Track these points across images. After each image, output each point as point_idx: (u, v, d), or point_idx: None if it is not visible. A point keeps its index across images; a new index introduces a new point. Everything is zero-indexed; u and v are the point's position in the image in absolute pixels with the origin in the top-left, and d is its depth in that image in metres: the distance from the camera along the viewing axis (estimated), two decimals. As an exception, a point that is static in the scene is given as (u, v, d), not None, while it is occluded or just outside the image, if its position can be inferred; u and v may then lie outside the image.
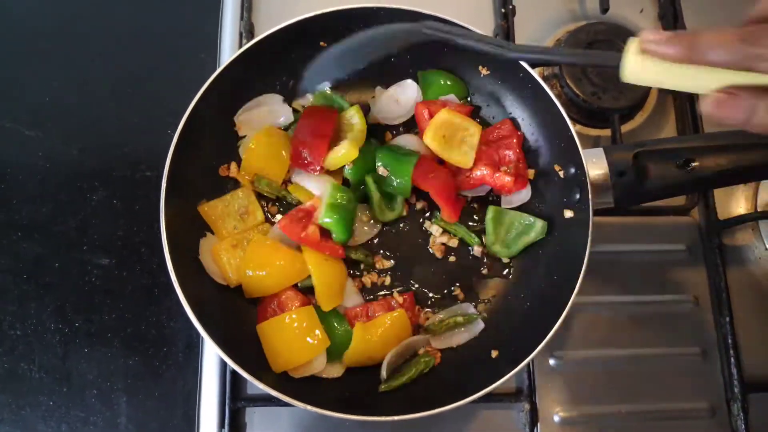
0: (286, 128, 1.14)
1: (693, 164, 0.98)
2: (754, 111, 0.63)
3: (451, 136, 1.08)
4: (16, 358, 1.08)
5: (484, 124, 1.18)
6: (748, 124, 0.64)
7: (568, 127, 1.02)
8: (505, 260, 1.11)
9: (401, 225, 1.14)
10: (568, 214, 1.05)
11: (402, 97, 1.17)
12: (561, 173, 1.08)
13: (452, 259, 1.12)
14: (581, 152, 1.00)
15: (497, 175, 1.08)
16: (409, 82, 1.18)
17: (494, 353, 1.03)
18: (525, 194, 1.11)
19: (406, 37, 0.97)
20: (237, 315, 1.03)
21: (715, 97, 0.64)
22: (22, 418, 1.05)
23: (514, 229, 1.10)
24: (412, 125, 1.17)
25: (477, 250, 1.11)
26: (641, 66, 0.69)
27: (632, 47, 0.69)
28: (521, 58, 0.99)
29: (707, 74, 0.65)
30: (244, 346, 0.98)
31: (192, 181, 1.04)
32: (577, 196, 1.02)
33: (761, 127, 0.63)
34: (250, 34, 1.27)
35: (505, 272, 1.12)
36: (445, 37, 0.97)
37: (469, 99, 1.19)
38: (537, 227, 1.07)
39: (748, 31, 0.60)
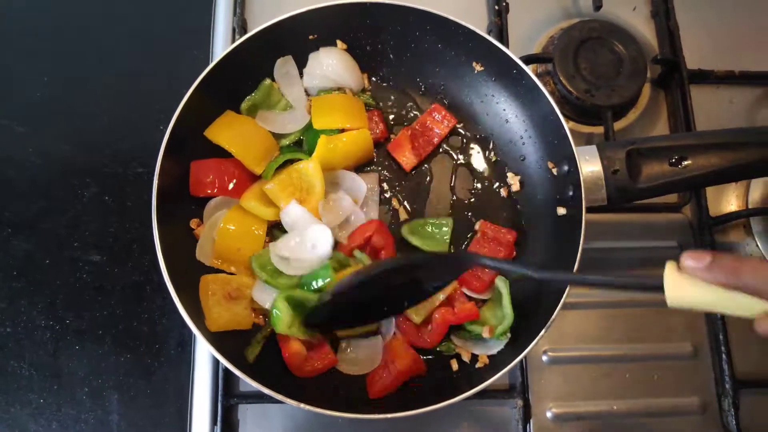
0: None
1: (686, 162, 0.99)
2: None
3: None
4: (6, 356, 1.07)
5: (477, 122, 1.19)
6: None
7: (562, 124, 1.02)
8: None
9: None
10: (561, 211, 1.06)
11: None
12: (554, 170, 1.08)
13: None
14: (575, 150, 1.01)
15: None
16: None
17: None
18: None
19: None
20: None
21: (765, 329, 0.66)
22: (12, 416, 1.05)
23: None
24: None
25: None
26: (682, 289, 0.69)
27: (670, 269, 0.70)
28: (563, 281, 0.96)
29: (749, 299, 0.66)
30: (237, 344, 0.98)
31: (184, 177, 1.03)
32: (571, 194, 1.03)
33: None
34: (243, 29, 1.27)
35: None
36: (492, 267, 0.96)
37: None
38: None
39: None
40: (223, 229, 1.02)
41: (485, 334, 1.01)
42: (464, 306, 1.03)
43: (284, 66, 1.14)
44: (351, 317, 0.98)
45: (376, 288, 0.92)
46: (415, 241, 1.10)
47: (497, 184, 1.17)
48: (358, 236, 1.06)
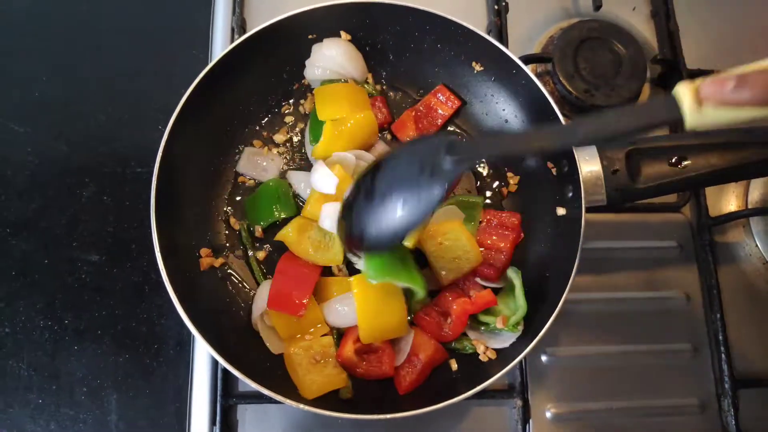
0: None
1: (685, 162, 0.99)
2: None
3: (448, 248, 1.04)
4: (4, 356, 1.07)
5: (477, 121, 1.19)
6: None
7: (562, 124, 1.02)
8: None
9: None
10: (561, 211, 1.06)
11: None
12: (554, 171, 1.08)
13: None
14: (574, 150, 1.01)
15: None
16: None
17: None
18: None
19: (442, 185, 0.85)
20: (229, 313, 1.03)
21: None
22: (11, 417, 1.04)
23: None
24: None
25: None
26: (703, 115, 0.67)
27: (687, 97, 0.67)
28: (580, 143, 0.92)
29: None
30: (235, 344, 0.98)
31: (183, 176, 1.03)
32: (570, 194, 1.03)
33: None
34: (242, 29, 1.26)
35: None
36: (471, 160, 0.89)
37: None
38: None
39: None
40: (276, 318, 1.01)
41: (498, 325, 1.00)
42: (481, 294, 1.03)
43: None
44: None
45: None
46: None
47: (497, 183, 1.17)
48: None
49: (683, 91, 0.67)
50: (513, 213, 1.10)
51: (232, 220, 1.11)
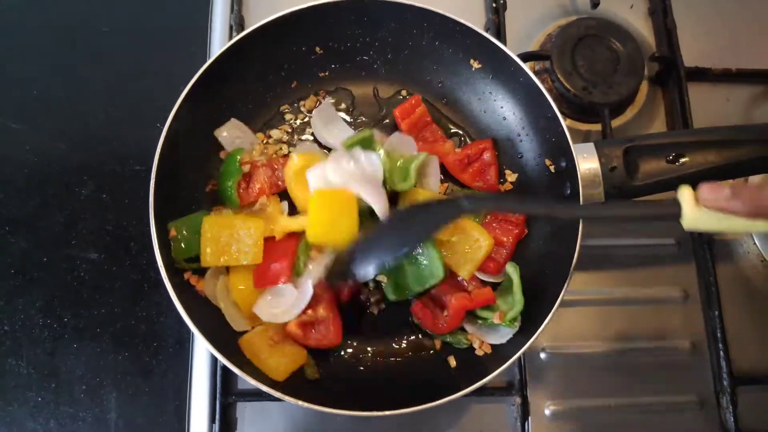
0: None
1: (683, 159, 0.99)
2: None
3: (458, 243, 1.05)
4: (4, 354, 1.07)
5: (475, 119, 1.19)
6: None
7: (559, 121, 1.03)
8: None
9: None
10: (559, 208, 1.06)
11: None
12: (552, 168, 1.08)
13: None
14: (572, 147, 1.01)
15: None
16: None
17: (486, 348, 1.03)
18: None
19: (446, 216, 0.92)
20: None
21: None
22: (10, 414, 1.04)
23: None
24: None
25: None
26: (699, 216, 0.73)
27: (687, 198, 0.74)
28: (582, 216, 0.97)
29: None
30: (234, 341, 0.98)
31: (181, 174, 1.03)
32: (568, 191, 1.03)
33: None
34: (241, 27, 1.26)
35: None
36: (491, 206, 0.98)
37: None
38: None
39: None
40: (238, 293, 1.01)
41: (495, 320, 1.00)
42: (480, 291, 1.03)
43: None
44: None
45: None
46: None
47: (495, 180, 1.17)
48: (473, 147, 1.14)
49: (685, 192, 0.74)
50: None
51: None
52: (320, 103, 1.18)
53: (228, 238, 0.99)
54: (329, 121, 1.16)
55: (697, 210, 0.73)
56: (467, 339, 1.04)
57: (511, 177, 1.15)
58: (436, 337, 1.06)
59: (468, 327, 1.05)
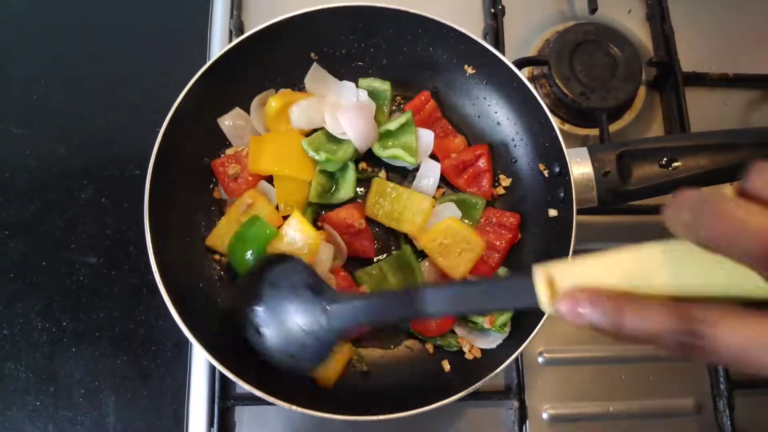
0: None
1: (676, 164, 0.99)
2: None
3: (451, 245, 1.05)
4: (2, 358, 1.07)
5: (469, 124, 1.19)
6: None
7: (552, 126, 1.03)
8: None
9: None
10: (552, 213, 1.06)
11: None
12: (545, 172, 1.09)
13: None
14: (565, 151, 1.01)
15: None
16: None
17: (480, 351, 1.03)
18: None
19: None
20: (224, 315, 1.03)
21: None
22: (9, 418, 1.05)
23: None
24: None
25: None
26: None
27: (540, 278, 0.61)
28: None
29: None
30: (231, 347, 0.98)
31: (178, 177, 1.04)
32: (561, 195, 1.03)
33: None
34: (240, 31, 1.27)
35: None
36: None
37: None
38: None
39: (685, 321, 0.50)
40: None
41: (486, 324, 1.01)
42: None
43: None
44: None
45: None
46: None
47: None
48: (469, 153, 1.15)
49: (538, 269, 0.61)
50: (513, 213, 1.11)
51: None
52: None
53: None
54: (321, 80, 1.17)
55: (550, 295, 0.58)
56: (458, 342, 1.05)
57: (506, 182, 1.16)
58: (427, 341, 1.06)
59: (458, 330, 1.05)
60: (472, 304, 0.71)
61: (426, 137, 1.14)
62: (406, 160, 1.11)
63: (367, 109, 1.11)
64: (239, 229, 1.03)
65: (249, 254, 1.00)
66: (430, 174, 1.13)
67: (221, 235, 1.05)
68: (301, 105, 1.11)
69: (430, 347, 1.07)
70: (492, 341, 1.02)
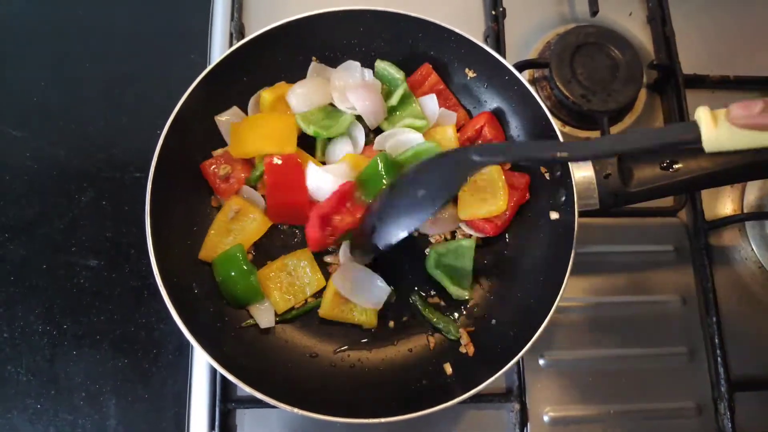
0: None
1: (676, 166, 0.99)
2: None
3: (479, 188, 1.07)
4: (3, 361, 1.07)
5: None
6: None
7: (554, 129, 1.03)
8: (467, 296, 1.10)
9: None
10: (554, 215, 1.06)
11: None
12: (547, 175, 1.09)
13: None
14: (566, 155, 1.01)
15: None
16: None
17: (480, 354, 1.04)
18: None
19: (461, 177, 0.87)
20: (225, 318, 1.03)
21: None
22: (10, 422, 1.05)
23: (452, 259, 1.09)
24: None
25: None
26: (720, 135, 0.70)
27: (705, 119, 0.70)
28: (590, 157, 0.89)
29: None
30: (232, 350, 0.99)
31: (179, 179, 1.04)
32: (563, 198, 1.03)
33: None
34: (241, 34, 1.27)
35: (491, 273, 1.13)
36: (497, 159, 0.88)
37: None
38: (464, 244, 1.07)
39: None
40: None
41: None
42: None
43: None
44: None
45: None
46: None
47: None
48: (470, 129, 1.14)
49: (702, 113, 0.70)
50: (522, 174, 1.11)
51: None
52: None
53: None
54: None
55: (716, 130, 0.69)
56: (457, 331, 1.06)
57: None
58: (428, 320, 1.08)
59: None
60: (633, 143, 0.77)
61: (430, 103, 1.13)
62: (417, 126, 1.11)
63: (374, 86, 1.12)
64: (220, 277, 1.03)
65: (241, 290, 1.03)
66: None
67: (213, 247, 1.05)
68: (299, 89, 1.11)
69: (432, 340, 1.07)
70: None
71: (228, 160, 1.09)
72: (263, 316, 1.04)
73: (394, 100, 1.13)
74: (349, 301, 1.04)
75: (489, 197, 1.07)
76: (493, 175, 1.07)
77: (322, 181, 1.05)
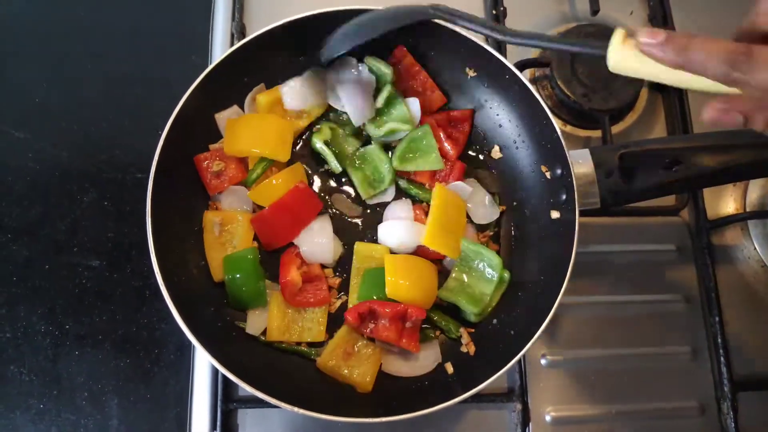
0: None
1: (678, 165, 0.99)
2: (751, 119, 0.66)
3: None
4: (5, 361, 1.08)
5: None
6: (751, 126, 0.67)
7: (554, 128, 1.03)
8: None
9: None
10: (555, 215, 1.06)
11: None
12: (548, 174, 1.08)
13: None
14: (567, 153, 1.01)
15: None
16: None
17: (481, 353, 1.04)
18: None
19: (412, 15, 1.03)
20: (226, 318, 1.03)
21: (710, 115, 0.68)
22: (12, 422, 1.05)
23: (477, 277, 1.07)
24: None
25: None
26: (625, 58, 0.71)
27: (617, 39, 0.71)
28: (512, 42, 0.94)
29: (690, 78, 0.67)
30: (233, 349, 0.99)
31: (180, 180, 1.04)
32: (564, 197, 1.03)
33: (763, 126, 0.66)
34: (242, 35, 1.27)
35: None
36: (446, 17, 1.00)
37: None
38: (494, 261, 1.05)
39: (738, 51, 0.61)
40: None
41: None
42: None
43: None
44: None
45: None
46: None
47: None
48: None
49: (616, 33, 0.72)
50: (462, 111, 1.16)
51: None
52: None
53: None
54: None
55: (622, 51, 0.71)
56: (457, 329, 1.05)
57: (496, 154, 1.17)
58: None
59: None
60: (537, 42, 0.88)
61: (413, 105, 1.13)
62: (403, 129, 1.11)
63: (367, 84, 1.12)
64: (228, 276, 1.02)
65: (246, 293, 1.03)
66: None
67: (216, 267, 1.04)
68: (292, 85, 1.11)
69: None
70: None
71: (223, 156, 1.08)
72: (255, 322, 1.03)
73: (379, 101, 1.12)
74: (347, 359, 1.02)
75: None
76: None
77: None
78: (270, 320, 1.02)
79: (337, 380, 1.02)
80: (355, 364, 1.01)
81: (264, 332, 1.03)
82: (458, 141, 1.15)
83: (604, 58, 0.74)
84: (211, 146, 1.10)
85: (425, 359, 1.04)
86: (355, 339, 1.03)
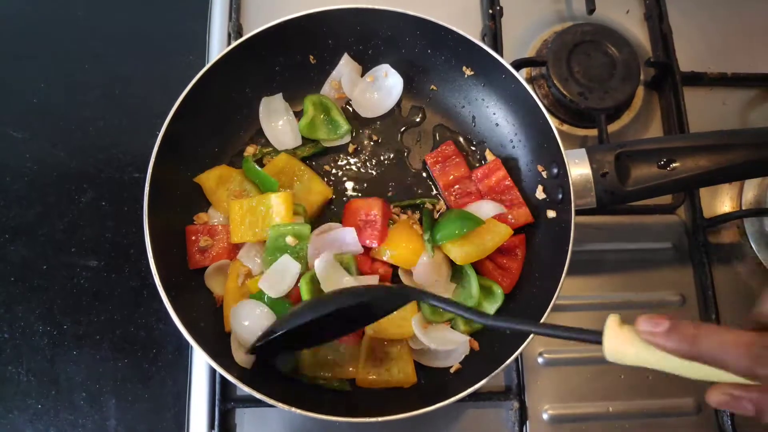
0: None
1: (674, 164, 0.99)
2: (762, 409, 0.62)
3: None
4: (3, 362, 1.08)
5: (467, 124, 1.20)
6: (761, 418, 0.62)
7: (551, 127, 1.03)
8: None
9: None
10: (551, 214, 1.06)
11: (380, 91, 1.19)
12: (544, 174, 1.09)
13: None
14: (563, 153, 1.01)
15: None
16: (391, 71, 1.18)
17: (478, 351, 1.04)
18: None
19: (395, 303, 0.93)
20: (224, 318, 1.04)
21: (718, 399, 0.65)
22: (10, 422, 1.05)
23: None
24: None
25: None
26: (624, 344, 0.66)
27: (611, 325, 0.67)
28: (498, 327, 0.94)
29: (700, 368, 0.64)
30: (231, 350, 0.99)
31: (177, 180, 1.05)
32: (560, 197, 1.04)
33: None
34: (239, 35, 1.27)
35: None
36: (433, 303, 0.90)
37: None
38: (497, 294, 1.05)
39: (760, 345, 0.59)
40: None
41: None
42: None
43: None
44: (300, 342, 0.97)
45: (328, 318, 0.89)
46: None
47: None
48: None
49: (610, 320, 0.68)
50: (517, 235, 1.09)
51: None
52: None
53: None
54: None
55: (619, 337, 0.66)
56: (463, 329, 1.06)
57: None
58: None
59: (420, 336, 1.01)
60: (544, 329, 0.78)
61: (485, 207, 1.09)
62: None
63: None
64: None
65: None
66: None
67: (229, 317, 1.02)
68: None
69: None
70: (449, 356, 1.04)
71: (212, 233, 1.06)
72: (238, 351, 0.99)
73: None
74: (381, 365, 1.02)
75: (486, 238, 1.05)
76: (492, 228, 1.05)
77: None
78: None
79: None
80: (392, 365, 1.01)
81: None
82: (510, 271, 1.08)
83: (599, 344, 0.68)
84: (197, 219, 1.08)
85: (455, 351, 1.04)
86: (379, 344, 1.02)
